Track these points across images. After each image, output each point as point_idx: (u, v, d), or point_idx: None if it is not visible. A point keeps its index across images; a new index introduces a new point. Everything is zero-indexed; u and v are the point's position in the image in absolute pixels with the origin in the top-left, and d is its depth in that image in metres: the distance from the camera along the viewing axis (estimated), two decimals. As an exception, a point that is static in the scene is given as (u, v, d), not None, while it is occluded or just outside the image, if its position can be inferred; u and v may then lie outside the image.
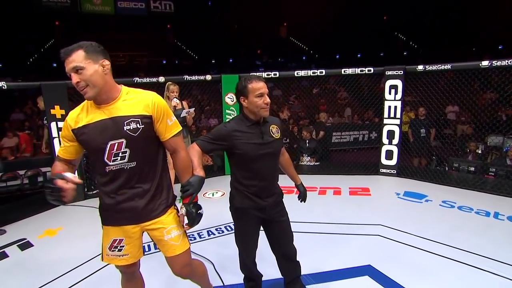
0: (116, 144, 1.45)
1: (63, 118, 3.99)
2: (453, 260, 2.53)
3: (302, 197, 2.14)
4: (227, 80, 5.01)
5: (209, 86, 5.73)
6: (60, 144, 1.76)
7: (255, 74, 1.91)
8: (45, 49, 16.62)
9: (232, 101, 5.04)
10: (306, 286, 2.19)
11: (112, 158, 1.46)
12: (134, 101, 1.48)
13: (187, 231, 1.69)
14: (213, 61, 18.09)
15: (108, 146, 1.44)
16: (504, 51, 14.35)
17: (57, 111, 3.97)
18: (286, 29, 20.88)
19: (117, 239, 1.57)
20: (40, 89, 4.02)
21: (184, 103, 4.21)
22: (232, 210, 1.91)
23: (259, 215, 1.87)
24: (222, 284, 2.32)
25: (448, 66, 4.17)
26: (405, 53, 17.91)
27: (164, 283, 2.35)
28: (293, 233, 2.07)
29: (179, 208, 1.63)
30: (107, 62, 1.43)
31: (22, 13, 15.57)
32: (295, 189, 2.19)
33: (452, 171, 5.02)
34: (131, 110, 1.46)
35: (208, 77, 4.99)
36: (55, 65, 15.65)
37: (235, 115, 5.04)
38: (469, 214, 3.43)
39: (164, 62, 17.29)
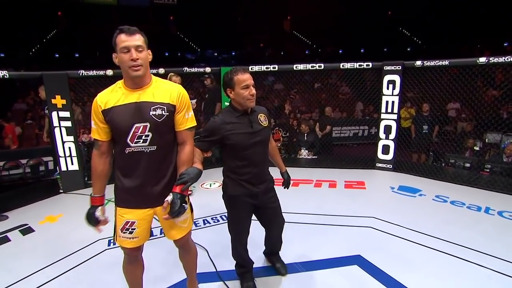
0: (141, 127, 1.55)
1: (64, 108, 4.06)
2: (441, 252, 2.60)
3: (286, 184, 2.23)
4: (227, 73, 5.05)
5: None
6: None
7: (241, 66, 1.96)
8: (48, 40, 16.65)
9: (231, 93, 5.08)
10: (285, 263, 2.37)
11: (135, 140, 1.56)
12: (162, 90, 1.60)
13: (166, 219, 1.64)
14: (216, 54, 18.08)
15: (134, 128, 1.55)
16: (509, 48, 14.25)
17: (58, 100, 4.03)
18: (290, 23, 20.77)
19: (129, 221, 1.65)
20: (41, 79, 4.08)
21: None
22: (225, 198, 1.98)
23: (252, 202, 1.95)
24: (215, 270, 2.40)
25: (446, 62, 4.18)
26: (408, 49, 17.79)
27: (163, 268, 2.44)
28: (287, 223, 2.20)
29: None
30: (150, 52, 1.60)
31: (25, 4, 15.56)
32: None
33: (448, 167, 5.07)
34: (159, 97, 1.58)
35: (208, 69, 5.03)
36: (57, 55, 15.71)
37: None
38: (461, 208, 3.48)
39: (167, 54, 17.29)
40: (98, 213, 1.64)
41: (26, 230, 3.22)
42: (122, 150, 1.58)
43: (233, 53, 18.28)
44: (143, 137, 1.56)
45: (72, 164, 4.21)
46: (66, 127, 4.11)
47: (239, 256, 2.15)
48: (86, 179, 4.50)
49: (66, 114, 4.08)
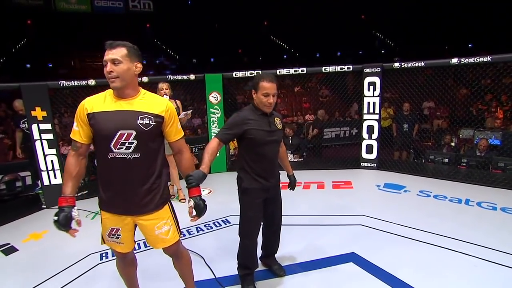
0: (126, 134, 1.56)
1: (44, 120, 3.92)
2: (429, 244, 2.72)
3: (292, 185, 2.41)
4: (211, 79, 5.06)
5: (192, 86, 5.72)
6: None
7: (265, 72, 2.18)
8: (17, 49, 15.95)
9: (216, 100, 5.09)
10: (282, 265, 2.42)
11: (118, 146, 1.56)
12: (150, 102, 1.63)
13: (193, 223, 1.84)
14: (194, 61, 17.98)
15: (118, 134, 1.56)
16: (473, 49, 15.12)
17: (38, 112, 3.88)
18: (267, 28, 21.02)
19: (114, 228, 1.68)
20: (18, 91, 3.90)
21: (178, 102, 4.09)
22: (240, 191, 2.11)
23: (264, 195, 2.10)
24: (213, 277, 2.39)
25: (421, 64, 4.41)
26: (382, 51, 18.47)
27: (160, 279, 2.40)
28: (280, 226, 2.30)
29: (186, 202, 1.75)
30: (140, 65, 1.61)
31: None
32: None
33: (429, 163, 5.30)
34: (147, 108, 1.61)
35: (192, 76, 5.01)
36: (28, 65, 15.07)
37: (219, 113, 5.11)
38: (443, 202, 3.66)
39: (145, 62, 17.01)
40: (74, 213, 1.56)
41: (9, 249, 3.06)
42: (104, 156, 1.58)
43: (212, 59, 18.26)
44: (127, 144, 1.57)
45: (56, 177, 4.05)
46: (48, 140, 3.96)
47: (248, 255, 2.18)
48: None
49: (48, 126, 3.94)
